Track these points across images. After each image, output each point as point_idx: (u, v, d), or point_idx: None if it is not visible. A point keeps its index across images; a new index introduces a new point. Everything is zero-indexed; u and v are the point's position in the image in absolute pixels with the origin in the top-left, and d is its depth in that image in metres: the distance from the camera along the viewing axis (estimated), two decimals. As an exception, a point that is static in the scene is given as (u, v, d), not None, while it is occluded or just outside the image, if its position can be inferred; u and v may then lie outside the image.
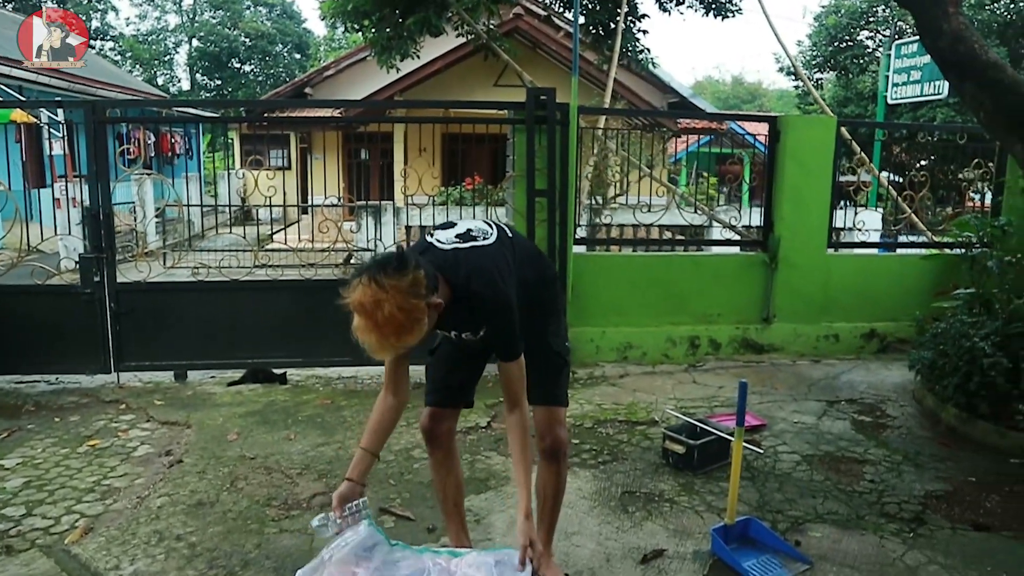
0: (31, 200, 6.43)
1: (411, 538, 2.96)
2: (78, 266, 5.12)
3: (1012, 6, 16.19)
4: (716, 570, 2.77)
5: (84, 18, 36.92)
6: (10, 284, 5.12)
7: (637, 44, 10.18)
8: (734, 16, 9.92)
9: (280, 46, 40.65)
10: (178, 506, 3.23)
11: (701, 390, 5.01)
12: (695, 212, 7.25)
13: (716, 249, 7.14)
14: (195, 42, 39.94)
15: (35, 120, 8.86)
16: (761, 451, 3.84)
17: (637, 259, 6.18)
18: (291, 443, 3.99)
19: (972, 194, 7.39)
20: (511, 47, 10.17)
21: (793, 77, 21.00)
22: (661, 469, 3.67)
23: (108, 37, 39.64)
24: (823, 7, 19.87)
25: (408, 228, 10.52)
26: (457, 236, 2.28)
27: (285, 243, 8.22)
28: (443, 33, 8.48)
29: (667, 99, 16.59)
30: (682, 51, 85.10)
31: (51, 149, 10.60)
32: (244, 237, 6.34)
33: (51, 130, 9.84)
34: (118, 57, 38.77)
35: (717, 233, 8.61)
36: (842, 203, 6.60)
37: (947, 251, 6.01)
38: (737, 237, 6.65)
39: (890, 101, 12.86)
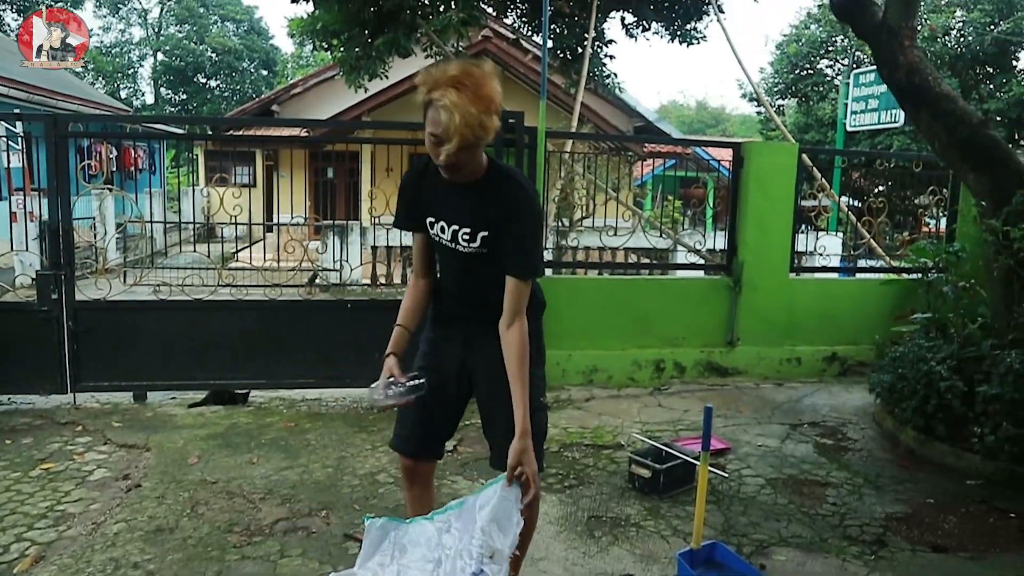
0: (-14, 215, 6.27)
1: (376, 564, 2.92)
2: (35, 282, 4.99)
3: (962, 39, 16.78)
4: (682, 595, 2.78)
5: (45, 30, 36.43)
6: (-38, 301, 4.98)
7: (604, 69, 10.32)
8: (699, 43, 10.10)
9: (247, 62, 40.44)
10: (135, 532, 3.14)
11: (666, 413, 5.05)
12: (660, 236, 7.33)
13: (681, 273, 7.23)
14: (160, 56, 39.57)
15: (-8, 132, 8.65)
16: (726, 475, 3.87)
17: (603, 282, 6.22)
18: (254, 467, 3.92)
19: (928, 219, 7.61)
20: (480, 69, 10.23)
21: (756, 103, 21.46)
22: (627, 493, 3.68)
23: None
24: (784, 36, 20.42)
25: (374, 248, 10.48)
26: None
27: (250, 262, 8.11)
28: (412, 54, 8.50)
29: (633, 123, 16.85)
30: (648, 75, 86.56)
31: (7, 162, 10.38)
32: (208, 255, 6.25)
33: (9, 142, 9.63)
34: (80, 69, 38.13)
35: (682, 257, 8.71)
36: (803, 227, 6.74)
37: (905, 276, 6.17)
38: (702, 261, 6.74)
39: (849, 128, 13.20)
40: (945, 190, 6.44)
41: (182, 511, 3.36)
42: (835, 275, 6.77)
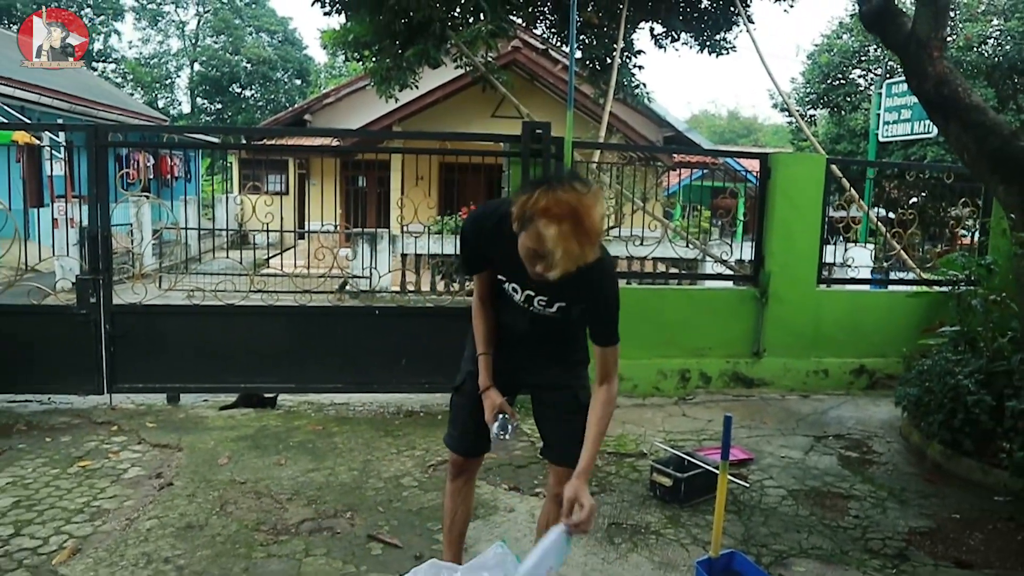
0: (30, 220, 6.48)
1: (398, 566, 2.99)
2: (74, 286, 5.16)
3: (999, 48, 16.51)
4: (700, 602, 2.79)
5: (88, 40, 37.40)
6: (6, 303, 5.14)
7: (633, 79, 10.34)
8: (728, 54, 10.08)
9: (281, 72, 41.08)
10: (167, 529, 3.25)
11: (690, 423, 5.05)
12: (687, 246, 7.33)
13: (709, 283, 7.22)
14: (197, 66, 40.36)
15: (36, 141, 8.94)
16: (747, 485, 3.88)
17: (629, 292, 6.24)
18: (282, 468, 4.01)
19: (963, 232, 7.52)
20: (509, 79, 10.32)
21: (787, 113, 21.29)
22: (648, 501, 3.70)
23: (111, 59, 40.03)
24: (816, 46, 20.23)
25: (404, 256, 10.60)
26: None
27: (280, 268, 8.27)
28: (442, 65, 8.61)
29: (663, 133, 16.84)
30: (679, 85, 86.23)
31: (51, 170, 10.71)
32: (240, 261, 6.40)
33: (52, 151, 9.94)
34: (120, 79, 39.10)
35: (711, 267, 8.71)
36: (834, 239, 6.70)
37: (935, 288, 6.10)
38: (728, 271, 6.74)
39: (881, 139, 13.06)
40: (979, 201, 6.37)
41: (212, 509, 3.45)
42: (866, 287, 6.72)
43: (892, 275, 7.18)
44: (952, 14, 17.45)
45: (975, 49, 16.37)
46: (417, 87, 9.56)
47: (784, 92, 11.16)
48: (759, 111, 70.44)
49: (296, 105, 22.58)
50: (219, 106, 40.65)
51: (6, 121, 10.23)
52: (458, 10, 8.30)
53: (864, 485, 4.01)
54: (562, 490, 2.37)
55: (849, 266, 6.36)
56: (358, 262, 10.45)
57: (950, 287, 5.58)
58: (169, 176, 17.48)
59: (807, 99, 19.71)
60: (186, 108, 41.28)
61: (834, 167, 7.41)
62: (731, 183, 8.82)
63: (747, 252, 6.37)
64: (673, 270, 8.98)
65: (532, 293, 2.23)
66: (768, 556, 3.16)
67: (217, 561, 2.99)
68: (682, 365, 5.87)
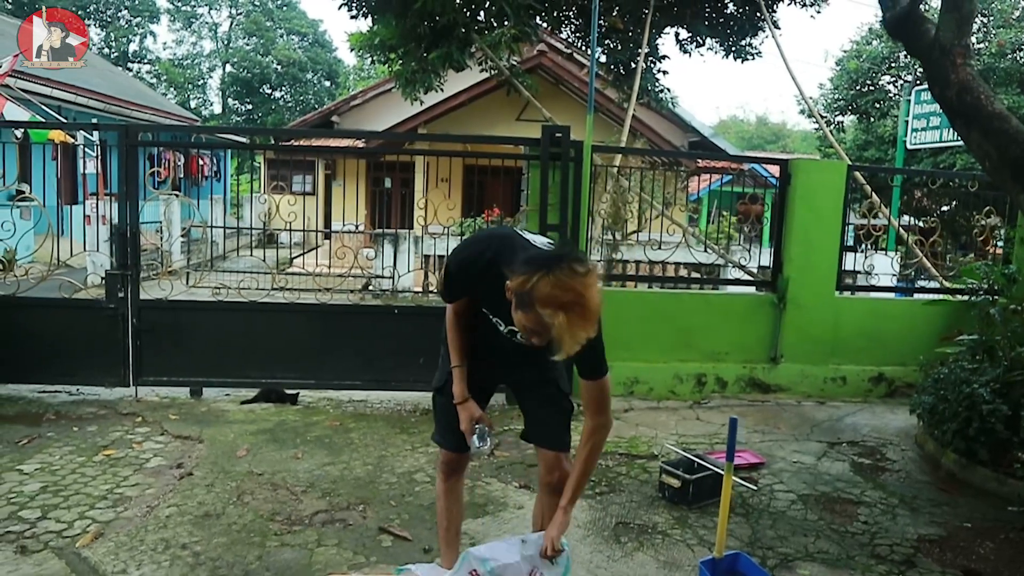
0: (63, 216, 6.66)
1: (407, 557, 3.06)
2: (104, 281, 5.31)
3: (1035, 55, 16.25)
4: (703, 602, 2.82)
5: (123, 42, 38.18)
6: (39, 296, 5.32)
7: (657, 84, 10.34)
8: (753, 59, 10.05)
9: (311, 74, 41.55)
10: (185, 516, 3.35)
11: (704, 427, 5.07)
12: (705, 251, 7.34)
13: (730, 288, 7.22)
14: (228, 67, 40.96)
15: (72, 140, 9.17)
16: (755, 488, 3.89)
17: (647, 295, 6.27)
18: (298, 462, 4.10)
19: (996, 241, 7.41)
20: (533, 83, 10.38)
21: (814, 120, 21.10)
22: (656, 502, 3.74)
23: (145, 60, 40.79)
24: (845, 52, 20.04)
25: (426, 257, 10.70)
26: (548, 243, 2.27)
27: (303, 267, 8.40)
28: (466, 68, 8.70)
29: (688, 138, 16.79)
30: (707, 90, 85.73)
31: (84, 168, 10.96)
32: (264, 260, 6.52)
33: (86, 150, 10.18)
34: (154, 80, 39.81)
35: (732, 272, 8.68)
36: (862, 246, 6.65)
37: (957, 297, 6.05)
38: (747, 277, 6.73)
39: (909, 146, 12.90)
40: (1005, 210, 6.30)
41: (229, 499, 3.55)
42: (889, 295, 6.66)
43: (921, 283, 7.12)
44: (985, 20, 17.20)
45: (1009, 56, 16.12)
46: (442, 90, 9.67)
47: (809, 98, 11.10)
48: (788, 117, 69.77)
49: (324, 107, 22.84)
50: (250, 107, 41.21)
51: (43, 120, 10.51)
52: (482, 14, 8.38)
53: (875, 492, 4.01)
54: (552, 479, 2.47)
55: (868, 274, 6.32)
56: (379, 262, 10.56)
57: (970, 296, 5.54)
58: (198, 175, 17.78)
59: (835, 105, 19.53)
60: (217, 109, 41.92)
61: (858, 174, 7.37)
62: (757, 189, 8.79)
63: (769, 259, 6.36)
64: (695, 275, 8.97)
65: (516, 329, 2.16)
66: (773, 559, 3.18)
67: (232, 549, 3.08)
68: (698, 369, 5.88)
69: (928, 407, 4.51)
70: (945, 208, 8.44)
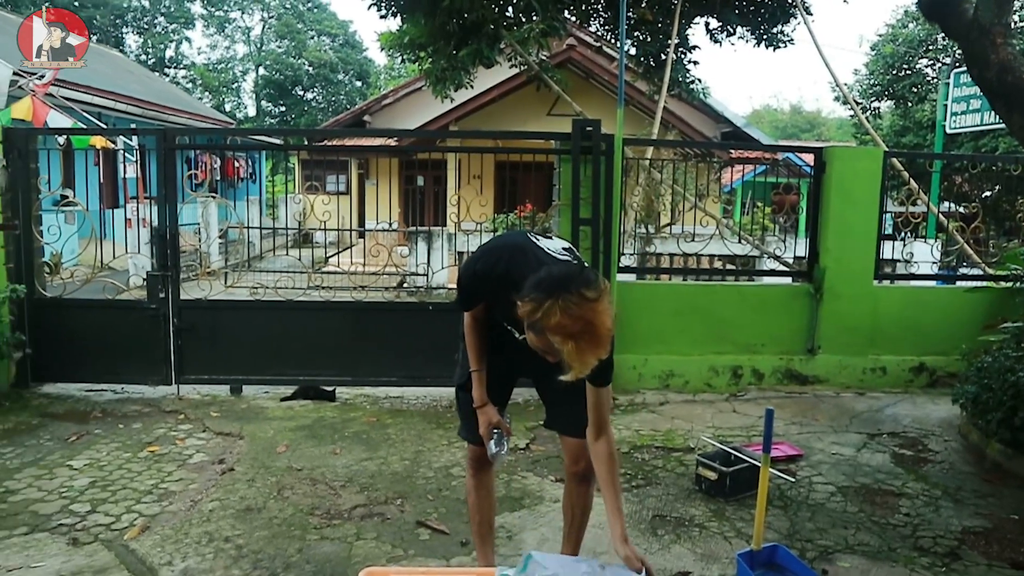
0: (105, 220, 6.84)
1: (445, 551, 3.10)
2: (145, 283, 5.44)
3: (1082, 34, 15.73)
4: (741, 594, 2.81)
5: (160, 48, 38.92)
6: (84, 298, 5.48)
7: (688, 74, 10.24)
8: (786, 47, 9.88)
9: (342, 74, 41.92)
10: (228, 511, 3.43)
11: (740, 419, 5.03)
12: (739, 242, 7.26)
13: (767, 279, 7.14)
14: (261, 70, 41.52)
15: (112, 145, 9.40)
16: (793, 479, 3.85)
17: (681, 288, 6.23)
18: (336, 457, 4.16)
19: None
20: (563, 77, 10.36)
21: (849, 107, 20.72)
22: (693, 495, 3.72)
23: (181, 66, 41.53)
24: (880, 36, 19.62)
25: (459, 254, 10.76)
26: (564, 250, 2.27)
27: (338, 265, 8.50)
28: (496, 64, 8.71)
29: (720, 129, 16.60)
30: (740, 80, 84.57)
31: (125, 172, 11.22)
32: (300, 259, 6.63)
33: (126, 154, 10.42)
34: (189, 85, 40.53)
35: (768, 263, 8.57)
36: (903, 234, 6.53)
37: (1001, 284, 5.91)
38: (783, 267, 6.65)
39: (948, 130, 12.59)
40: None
41: (270, 494, 3.62)
42: (930, 283, 6.52)
43: (960, 271, 6.97)
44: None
45: (1053, 35, 15.62)
46: (472, 87, 9.69)
47: (844, 84, 10.90)
48: (823, 105, 68.47)
49: (356, 107, 23.04)
50: (283, 108, 41.74)
51: (84, 126, 10.77)
52: (510, 10, 8.38)
53: (917, 483, 3.94)
54: (579, 469, 2.46)
55: (909, 262, 6.20)
56: (412, 259, 10.65)
57: (1014, 282, 5.40)
58: (235, 177, 18.07)
59: (871, 91, 19.13)
60: (251, 111, 42.53)
61: (895, 161, 7.23)
62: (793, 179, 8.69)
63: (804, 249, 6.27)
64: (730, 267, 8.89)
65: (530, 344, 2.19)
66: (813, 551, 3.15)
67: (273, 542, 3.14)
68: (734, 362, 5.83)
69: (972, 396, 4.41)
70: (987, 193, 8.23)
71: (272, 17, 42.20)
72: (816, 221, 5.91)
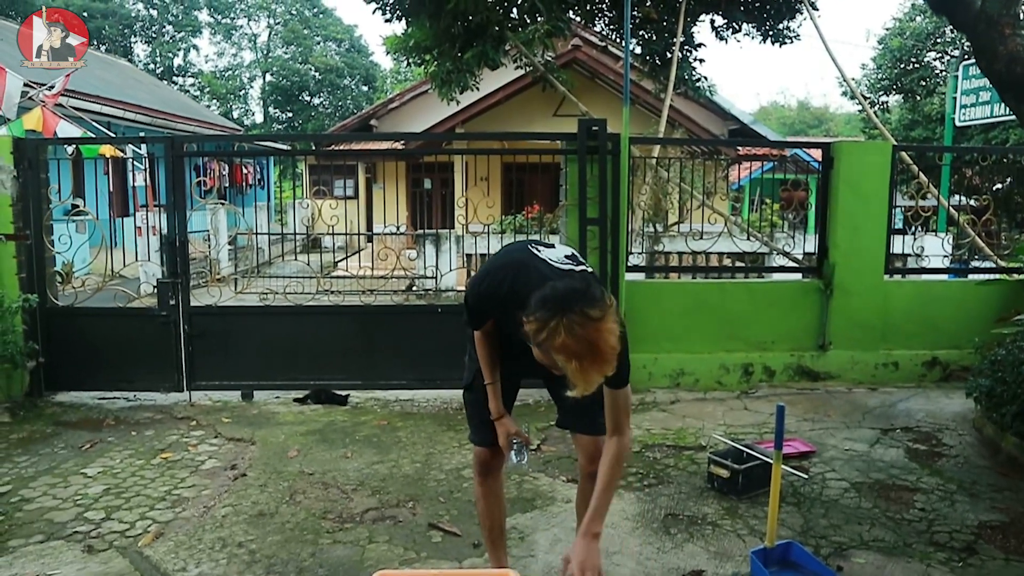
0: (115, 228, 6.88)
1: (457, 553, 3.10)
2: (156, 290, 5.47)
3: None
4: (755, 592, 2.80)
5: (168, 57, 39.17)
6: (96, 307, 5.51)
7: (694, 72, 10.22)
8: (791, 43, 9.85)
9: (348, 79, 42.02)
10: (241, 516, 3.44)
11: (752, 416, 5.00)
12: (747, 239, 7.24)
13: (774, 276, 7.11)
14: (268, 77, 41.68)
15: (121, 154, 9.45)
16: (806, 476, 3.83)
17: (690, 286, 6.21)
18: (348, 461, 4.17)
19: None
20: (569, 78, 10.36)
21: (857, 101, 20.64)
22: (706, 493, 3.71)
23: (189, 74, 41.77)
24: (887, 30, 19.52)
25: (468, 256, 10.77)
26: (567, 258, 2.27)
27: (347, 269, 8.53)
28: (501, 66, 8.71)
29: (727, 126, 16.55)
30: (746, 77, 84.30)
31: (134, 180, 11.29)
32: (309, 264, 6.65)
33: (135, 163, 10.48)
34: (197, 93, 40.75)
35: (777, 259, 8.54)
36: (911, 229, 6.50)
37: (1014, 276, 5.86)
38: (792, 264, 6.62)
39: (958, 123, 12.52)
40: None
41: (282, 499, 3.63)
42: (942, 277, 6.47)
43: (972, 264, 6.92)
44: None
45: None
46: (478, 89, 9.70)
47: (851, 79, 10.85)
48: (830, 100, 68.12)
49: (363, 111, 23.10)
50: (290, 114, 41.89)
51: (93, 136, 10.84)
52: (515, 11, 8.39)
53: (932, 478, 3.91)
54: (594, 468, 2.39)
55: (920, 256, 6.16)
56: (421, 262, 10.66)
57: (1026, 275, 5.36)
58: (243, 183, 18.14)
59: (879, 85, 19.05)
60: (259, 118, 42.70)
61: (904, 154, 7.19)
62: (801, 175, 8.64)
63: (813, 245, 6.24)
64: (739, 264, 8.86)
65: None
66: (827, 548, 3.13)
67: (286, 546, 3.15)
68: (745, 359, 5.80)
69: (986, 390, 4.37)
70: (999, 186, 8.18)
71: (278, 24, 42.37)
72: (825, 216, 5.88)
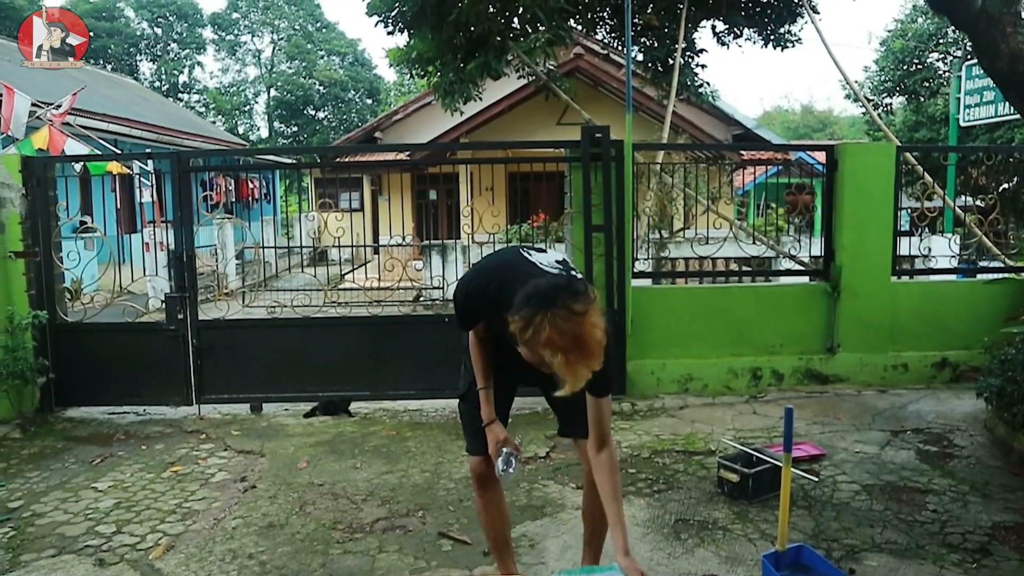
0: (123, 244, 6.92)
1: (467, 561, 3.10)
2: (164, 305, 5.50)
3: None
4: (767, 596, 2.78)
5: (173, 74, 39.46)
6: (105, 322, 5.55)
7: (696, 78, 10.24)
8: (793, 47, 9.86)
9: (352, 92, 42.25)
10: (251, 527, 3.44)
11: (761, 420, 4.99)
12: (754, 243, 7.23)
13: (781, 279, 7.09)
14: (273, 91, 41.95)
15: (128, 170, 9.51)
16: (816, 479, 3.81)
17: (697, 291, 6.20)
18: (357, 471, 4.17)
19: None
20: (571, 86, 10.39)
21: (860, 104, 20.62)
22: (716, 498, 3.69)
23: (194, 91, 42.07)
24: (889, 32, 19.50)
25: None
26: (557, 262, 2.27)
27: (353, 281, 8.55)
28: (503, 76, 8.75)
29: (731, 131, 16.56)
30: (750, 82, 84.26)
31: (141, 197, 11.35)
32: (316, 277, 6.67)
33: (142, 179, 10.55)
34: (203, 109, 41.03)
35: (784, 263, 8.53)
36: (918, 230, 6.48)
37: (1022, 275, 5.83)
38: (798, 267, 6.61)
39: (963, 124, 12.52)
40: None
41: (292, 510, 3.64)
42: (951, 277, 6.44)
43: (980, 264, 6.88)
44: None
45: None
46: (481, 99, 9.74)
47: (855, 81, 10.85)
48: (834, 104, 67.95)
49: (367, 124, 23.21)
50: (295, 129, 42.13)
51: (100, 153, 10.92)
52: (516, 21, 8.43)
53: (944, 479, 3.89)
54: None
55: (927, 256, 6.14)
56: (429, 273, 10.67)
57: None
58: (249, 198, 18.22)
59: (882, 87, 19.03)
60: (264, 132, 42.96)
61: (908, 155, 7.18)
62: (806, 178, 8.64)
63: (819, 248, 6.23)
64: (746, 268, 8.83)
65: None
66: (839, 550, 3.12)
67: (297, 557, 3.15)
68: (753, 363, 5.79)
69: (996, 390, 4.35)
70: (1005, 185, 8.15)
71: (282, 39, 42.68)
72: (831, 219, 5.87)
